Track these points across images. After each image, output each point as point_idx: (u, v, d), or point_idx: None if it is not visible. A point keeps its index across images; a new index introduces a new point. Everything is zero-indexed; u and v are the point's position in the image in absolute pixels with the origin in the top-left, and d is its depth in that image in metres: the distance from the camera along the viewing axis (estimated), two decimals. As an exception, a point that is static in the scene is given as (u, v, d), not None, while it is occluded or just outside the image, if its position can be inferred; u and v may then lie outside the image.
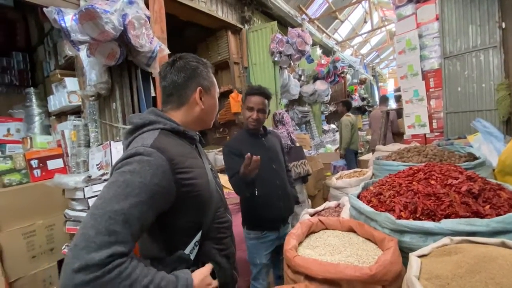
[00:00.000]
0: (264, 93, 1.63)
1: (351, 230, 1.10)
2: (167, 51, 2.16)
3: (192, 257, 0.80)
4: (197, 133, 0.95)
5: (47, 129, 3.18)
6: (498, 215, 0.85)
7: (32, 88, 3.31)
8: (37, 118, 3.15)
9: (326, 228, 1.19)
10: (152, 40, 1.98)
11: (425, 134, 2.98)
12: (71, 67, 2.70)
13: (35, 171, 2.33)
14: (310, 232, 1.17)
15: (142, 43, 1.88)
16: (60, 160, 2.49)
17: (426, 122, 2.95)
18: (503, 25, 2.40)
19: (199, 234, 0.82)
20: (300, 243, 1.10)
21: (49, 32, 3.16)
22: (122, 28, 1.73)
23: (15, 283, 2.09)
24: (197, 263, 0.81)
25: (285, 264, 1.00)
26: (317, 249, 1.02)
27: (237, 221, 2.03)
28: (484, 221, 0.79)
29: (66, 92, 2.59)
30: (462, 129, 2.63)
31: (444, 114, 2.80)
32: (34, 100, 3.21)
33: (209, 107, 0.93)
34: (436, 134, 2.90)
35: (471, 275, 0.60)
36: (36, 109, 3.18)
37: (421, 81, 2.94)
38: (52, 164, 2.42)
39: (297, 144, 2.93)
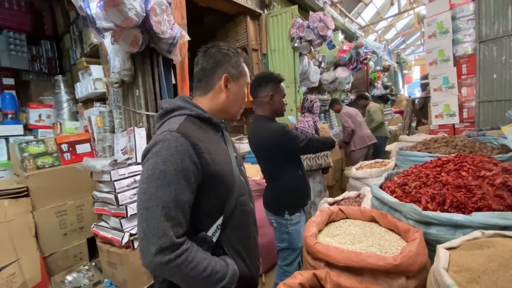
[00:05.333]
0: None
1: (373, 220, 1.08)
2: (187, 38, 2.16)
3: (214, 239, 0.82)
4: (223, 120, 0.96)
5: (75, 115, 3.34)
6: (536, 209, 0.80)
7: (60, 75, 3.47)
8: (65, 105, 3.31)
9: (347, 218, 1.17)
10: (173, 27, 1.99)
11: (453, 124, 2.82)
12: (96, 54, 2.79)
13: (65, 155, 2.47)
14: (329, 220, 1.16)
15: (164, 29, 1.89)
16: (88, 144, 2.61)
17: (455, 112, 2.78)
18: (550, 4, 2.17)
19: (221, 218, 0.84)
20: (319, 231, 1.09)
21: (75, 20, 3.26)
22: (144, 14, 1.75)
23: (49, 257, 2.27)
24: (218, 246, 0.84)
25: (305, 251, 1.01)
26: (337, 238, 1.01)
27: (257, 206, 2.06)
28: (520, 216, 0.75)
29: (92, 80, 2.68)
30: (496, 120, 2.46)
31: (476, 103, 2.63)
32: (62, 87, 3.36)
33: (235, 96, 0.92)
34: (466, 124, 2.74)
35: (505, 270, 0.57)
36: (64, 96, 3.33)
37: (452, 67, 2.76)
38: (80, 148, 2.56)
39: (321, 135, 2.88)
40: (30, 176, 2.22)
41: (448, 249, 0.71)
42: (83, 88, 2.86)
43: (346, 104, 7.15)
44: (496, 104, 2.52)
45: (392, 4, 8.29)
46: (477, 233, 0.73)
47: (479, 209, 0.84)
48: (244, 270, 0.87)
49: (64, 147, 2.48)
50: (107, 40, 2.09)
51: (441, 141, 1.70)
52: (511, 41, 2.39)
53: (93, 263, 2.41)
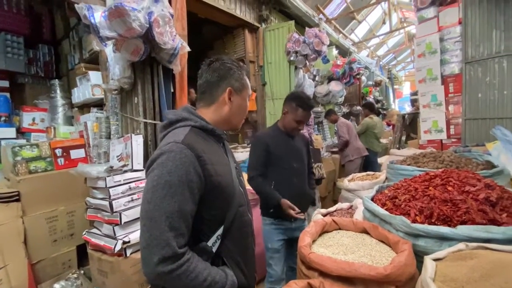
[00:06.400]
0: (313, 108, 1.84)
1: (365, 231, 1.12)
2: (188, 49, 2.21)
3: (214, 249, 0.84)
4: (225, 132, 0.99)
5: (69, 120, 3.31)
6: (515, 224, 0.86)
7: (56, 80, 3.45)
8: (60, 109, 3.29)
9: (339, 229, 1.22)
10: (174, 38, 2.04)
11: (441, 140, 2.94)
12: (95, 61, 2.80)
13: (59, 160, 2.45)
14: (323, 231, 1.20)
15: (166, 40, 1.94)
16: (82, 150, 2.59)
17: (443, 128, 2.91)
18: (530, 31, 2.33)
19: (222, 228, 0.86)
20: (313, 241, 1.13)
21: (75, 26, 3.28)
22: (148, 26, 1.80)
23: (37, 264, 2.21)
24: (217, 256, 0.86)
25: (299, 260, 1.04)
26: (331, 248, 1.05)
27: (253, 215, 2.09)
28: (501, 229, 0.80)
29: (90, 85, 2.69)
30: (481, 137, 2.58)
31: (462, 120, 2.75)
32: (58, 91, 3.34)
33: (237, 108, 0.97)
34: (453, 140, 2.85)
35: (486, 279, 0.62)
36: (60, 100, 3.31)
37: (440, 85, 2.90)
38: (74, 154, 2.53)
39: (315, 146, 2.97)
40: (22, 180, 2.18)
41: (435, 260, 0.75)
42: (81, 93, 2.86)
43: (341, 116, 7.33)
44: (481, 122, 2.64)
45: (384, 22, 8.62)
46: (461, 245, 0.78)
47: (463, 223, 0.89)
48: (242, 280, 0.89)
49: (58, 151, 2.46)
50: (108, 48, 2.12)
51: (430, 156, 1.78)
52: (495, 63, 2.54)
53: (82, 271, 2.36)
